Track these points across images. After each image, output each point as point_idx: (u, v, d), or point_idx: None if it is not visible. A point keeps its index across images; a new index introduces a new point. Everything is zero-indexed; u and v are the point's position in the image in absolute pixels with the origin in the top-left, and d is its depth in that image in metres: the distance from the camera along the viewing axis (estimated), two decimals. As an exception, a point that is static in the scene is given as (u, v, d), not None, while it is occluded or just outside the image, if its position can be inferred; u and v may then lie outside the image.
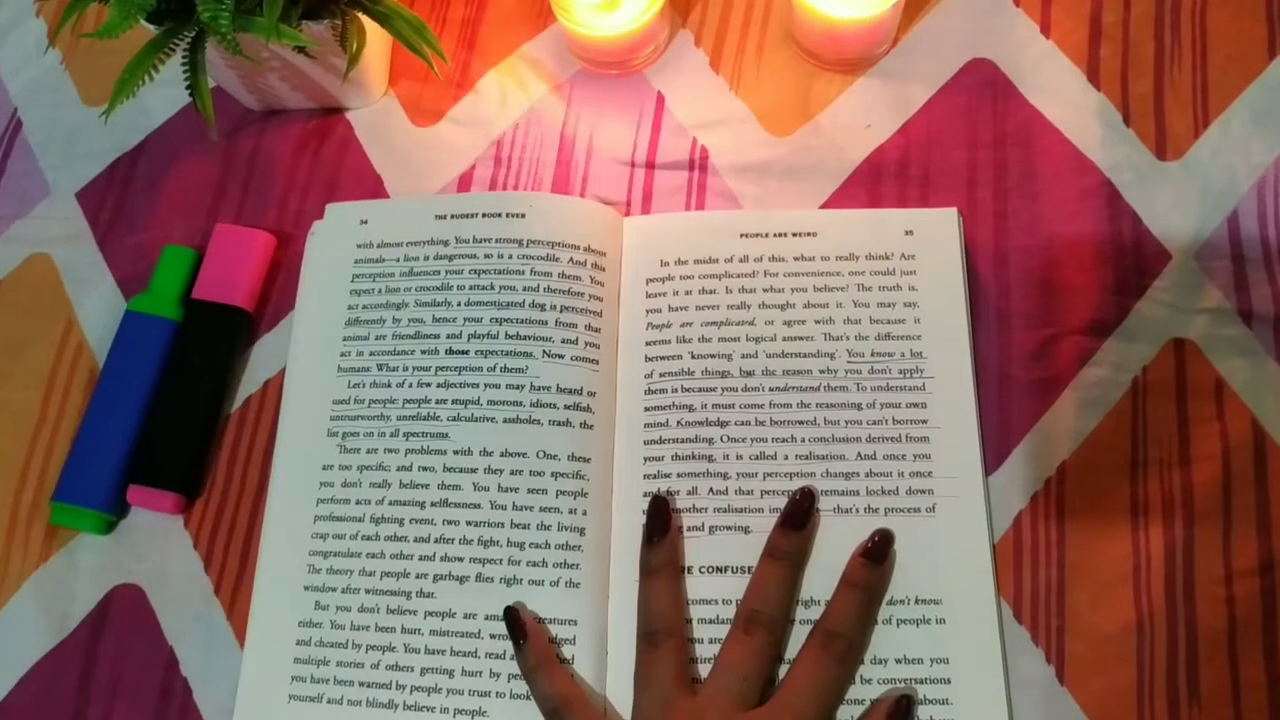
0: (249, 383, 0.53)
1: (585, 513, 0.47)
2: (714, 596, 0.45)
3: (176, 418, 0.51)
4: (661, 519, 0.46)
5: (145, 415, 0.52)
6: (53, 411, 0.54)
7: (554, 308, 0.50)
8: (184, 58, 0.49)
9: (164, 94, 0.58)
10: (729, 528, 0.46)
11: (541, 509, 0.47)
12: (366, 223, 0.54)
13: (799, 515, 0.45)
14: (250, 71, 0.54)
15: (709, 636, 0.45)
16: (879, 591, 0.44)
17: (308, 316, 0.53)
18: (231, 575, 0.49)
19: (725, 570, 0.46)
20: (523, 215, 0.52)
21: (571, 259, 0.51)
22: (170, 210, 0.57)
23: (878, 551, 0.44)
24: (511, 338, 0.50)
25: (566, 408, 0.49)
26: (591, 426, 0.49)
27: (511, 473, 0.48)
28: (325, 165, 0.57)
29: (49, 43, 0.61)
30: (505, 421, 0.49)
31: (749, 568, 0.45)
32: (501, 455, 0.48)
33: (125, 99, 0.48)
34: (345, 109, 0.58)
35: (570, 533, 0.47)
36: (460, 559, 0.47)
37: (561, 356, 0.50)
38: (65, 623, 0.50)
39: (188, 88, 0.49)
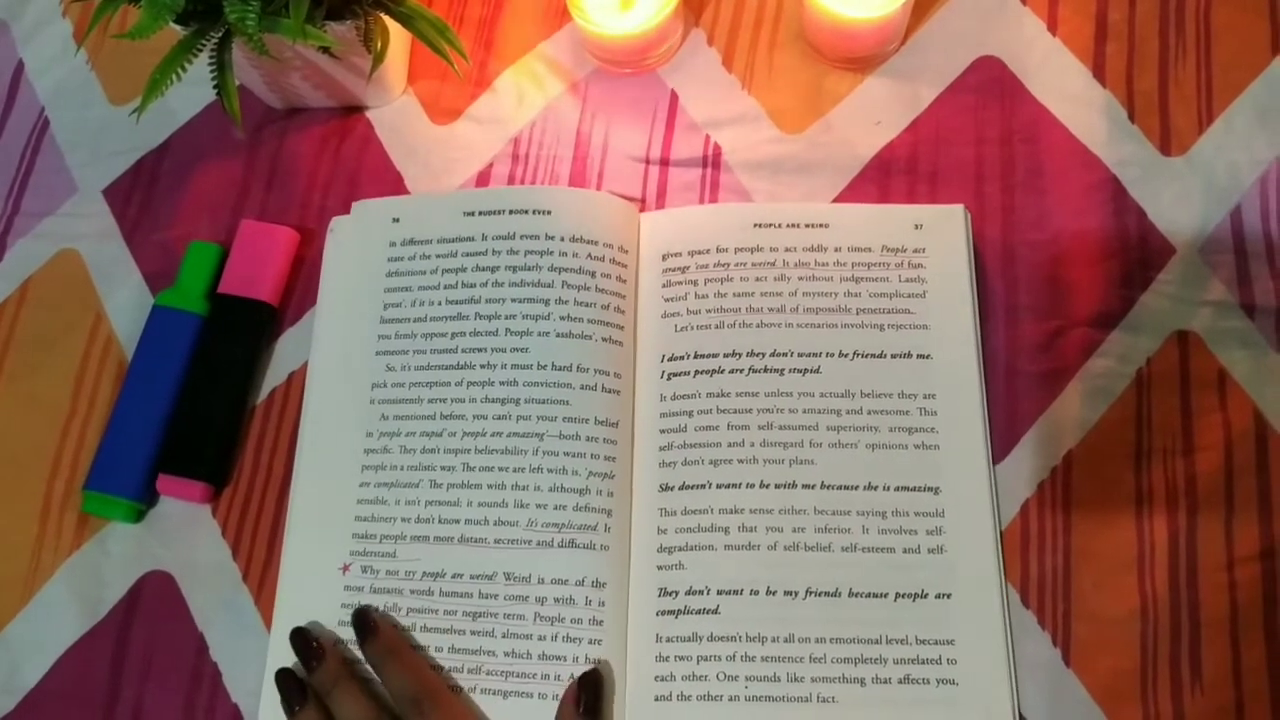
0: (274, 375, 0.54)
1: (612, 494, 0.49)
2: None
3: (204, 409, 0.53)
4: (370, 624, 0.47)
5: (173, 407, 0.53)
6: (83, 404, 0.55)
7: (588, 304, 0.51)
8: (210, 58, 0.50)
9: (187, 93, 0.59)
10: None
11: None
12: (399, 221, 0.55)
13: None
14: (274, 71, 0.55)
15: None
16: None
17: (335, 312, 0.54)
18: (259, 563, 0.51)
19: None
20: (549, 212, 0.53)
21: (605, 256, 0.52)
22: (195, 207, 0.58)
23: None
24: (544, 335, 0.51)
25: (602, 428, 0.50)
26: (617, 423, 0.50)
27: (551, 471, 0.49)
28: (346, 163, 0.58)
29: (78, 45, 0.62)
30: (546, 439, 0.49)
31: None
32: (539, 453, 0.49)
33: (155, 99, 0.49)
34: (365, 107, 0.59)
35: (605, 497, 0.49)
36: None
37: (596, 352, 0.51)
38: (97, 609, 0.51)
39: (215, 87, 0.50)
